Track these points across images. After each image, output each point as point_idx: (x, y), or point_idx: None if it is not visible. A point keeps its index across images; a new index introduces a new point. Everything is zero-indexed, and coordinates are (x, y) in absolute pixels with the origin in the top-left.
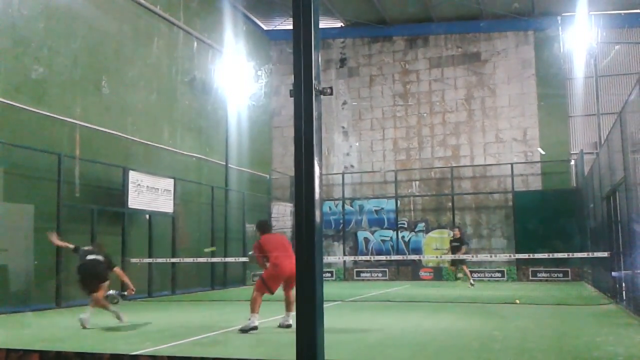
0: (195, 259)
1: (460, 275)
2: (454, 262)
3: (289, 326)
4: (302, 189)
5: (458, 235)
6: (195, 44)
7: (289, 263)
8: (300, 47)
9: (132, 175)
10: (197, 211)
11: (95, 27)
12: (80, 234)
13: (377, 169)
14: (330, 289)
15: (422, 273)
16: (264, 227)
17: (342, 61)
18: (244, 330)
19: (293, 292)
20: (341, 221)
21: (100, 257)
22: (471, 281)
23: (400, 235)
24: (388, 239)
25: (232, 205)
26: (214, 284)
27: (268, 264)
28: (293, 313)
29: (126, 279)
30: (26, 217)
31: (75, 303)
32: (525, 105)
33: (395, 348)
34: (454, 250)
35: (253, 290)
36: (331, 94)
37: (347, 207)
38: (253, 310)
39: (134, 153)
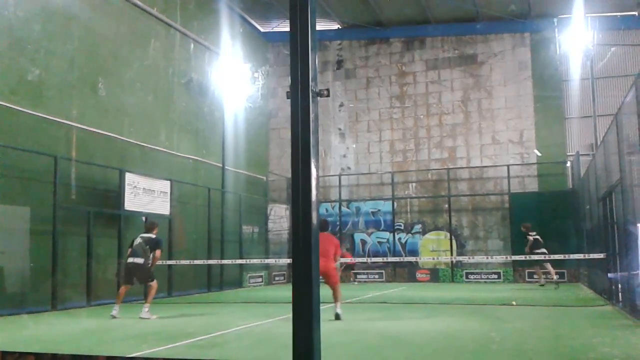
0: (191, 261)
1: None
2: None
3: (337, 316)
4: (299, 191)
5: None
6: (192, 45)
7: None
8: (297, 49)
9: (129, 177)
10: (193, 213)
11: (92, 29)
12: (77, 236)
13: (374, 170)
14: (327, 290)
15: (418, 275)
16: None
17: (339, 63)
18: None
19: (334, 288)
20: (338, 223)
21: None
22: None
23: (397, 237)
24: (385, 240)
25: (228, 207)
26: (211, 286)
27: None
28: (339, 303)
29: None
30: (22, 219)
31: (71, 305)
32: (522, 107)
33: (392, 350)
34: None
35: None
36: (328, 95)
37: (344, 208)
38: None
39: (131, 155)
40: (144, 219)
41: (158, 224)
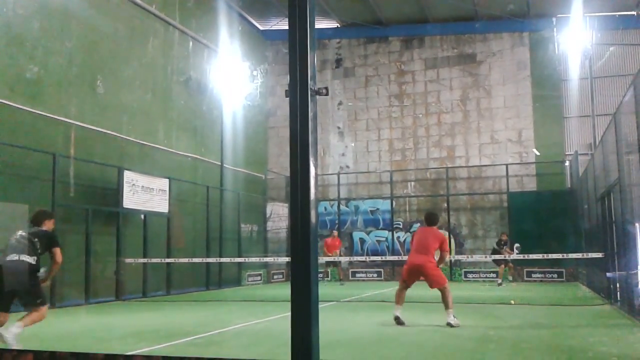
0: (190, 259)
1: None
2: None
3: (448, 324)
4: (298, 189)
5: None
6: (191, 43)
7: (414, 259)
8: (296, 47)
9: (127, 175)
10: (192, 211)
11: (91, 27)
12: (75, 234)
13: (373, 169)
14: (325, 289)
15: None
16: (427, 219)
17: (338, 62)
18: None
19: (440, 292)
20: (336, 221)
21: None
22: None
23: (395, 235)
24: (383, 239)
25: (227, 206)
26: (209, 284)
27: None
28: (450, 310)
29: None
30: (20, 216)
31: (69, 303)
32: (520, 107)
33: (390, 348)
34: None
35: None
36: (327, 94)
37: (343, 207)
38: (396, 302)
39: (129, 153)
40: (142, 216)
41: (53, 216)
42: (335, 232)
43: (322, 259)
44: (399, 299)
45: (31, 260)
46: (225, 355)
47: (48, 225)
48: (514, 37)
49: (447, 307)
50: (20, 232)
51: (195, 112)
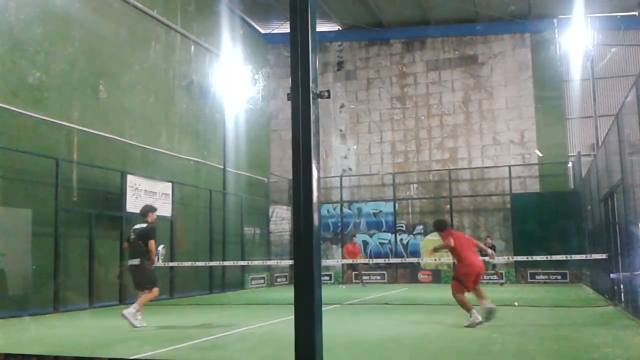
0: (193, 262)
1: None
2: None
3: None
4: (300, 192)
5: None
6: (193, 47)
7: (478, 261)
8: (298, 50)
9: (130, 179)
10: (195, 215)
11: (93, 31)
12: (78, 238)
13: (375, 171)
14: (328, 292)
15: (420, 276)
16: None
17: (340, 64)
18: (471, 326)
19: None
20: (339, 224)
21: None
22: None
23: (398, 238)
24: (386, 241)
25: (230, 209)
26: (213, 287)
27: (458, 264)
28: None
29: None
30: (24, 221)
31: (73, 308)
32: (523, 108)
33: (393, 351)
34: None
35: (454, 294)
36: (329, 97)
37: (345, 210)
38: (468, 309)
39: (132, 157)
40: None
41: (155, 209)
42: (355, 239)
43: (328, 261)
44: (469, 303)
45: (136, 262)
46: (229, 358)
47: (151, 217)
48: (516, 39)
49: (477, 303)
50: (132, 235)
51: (197, 115)
